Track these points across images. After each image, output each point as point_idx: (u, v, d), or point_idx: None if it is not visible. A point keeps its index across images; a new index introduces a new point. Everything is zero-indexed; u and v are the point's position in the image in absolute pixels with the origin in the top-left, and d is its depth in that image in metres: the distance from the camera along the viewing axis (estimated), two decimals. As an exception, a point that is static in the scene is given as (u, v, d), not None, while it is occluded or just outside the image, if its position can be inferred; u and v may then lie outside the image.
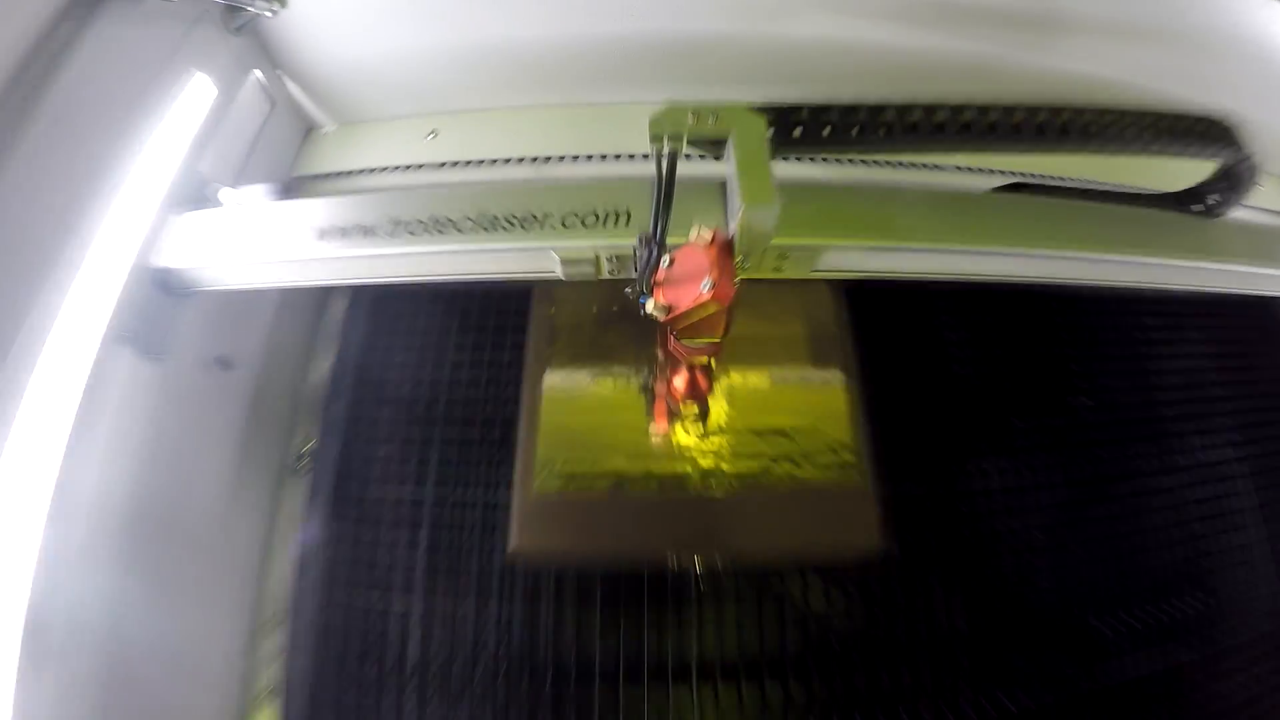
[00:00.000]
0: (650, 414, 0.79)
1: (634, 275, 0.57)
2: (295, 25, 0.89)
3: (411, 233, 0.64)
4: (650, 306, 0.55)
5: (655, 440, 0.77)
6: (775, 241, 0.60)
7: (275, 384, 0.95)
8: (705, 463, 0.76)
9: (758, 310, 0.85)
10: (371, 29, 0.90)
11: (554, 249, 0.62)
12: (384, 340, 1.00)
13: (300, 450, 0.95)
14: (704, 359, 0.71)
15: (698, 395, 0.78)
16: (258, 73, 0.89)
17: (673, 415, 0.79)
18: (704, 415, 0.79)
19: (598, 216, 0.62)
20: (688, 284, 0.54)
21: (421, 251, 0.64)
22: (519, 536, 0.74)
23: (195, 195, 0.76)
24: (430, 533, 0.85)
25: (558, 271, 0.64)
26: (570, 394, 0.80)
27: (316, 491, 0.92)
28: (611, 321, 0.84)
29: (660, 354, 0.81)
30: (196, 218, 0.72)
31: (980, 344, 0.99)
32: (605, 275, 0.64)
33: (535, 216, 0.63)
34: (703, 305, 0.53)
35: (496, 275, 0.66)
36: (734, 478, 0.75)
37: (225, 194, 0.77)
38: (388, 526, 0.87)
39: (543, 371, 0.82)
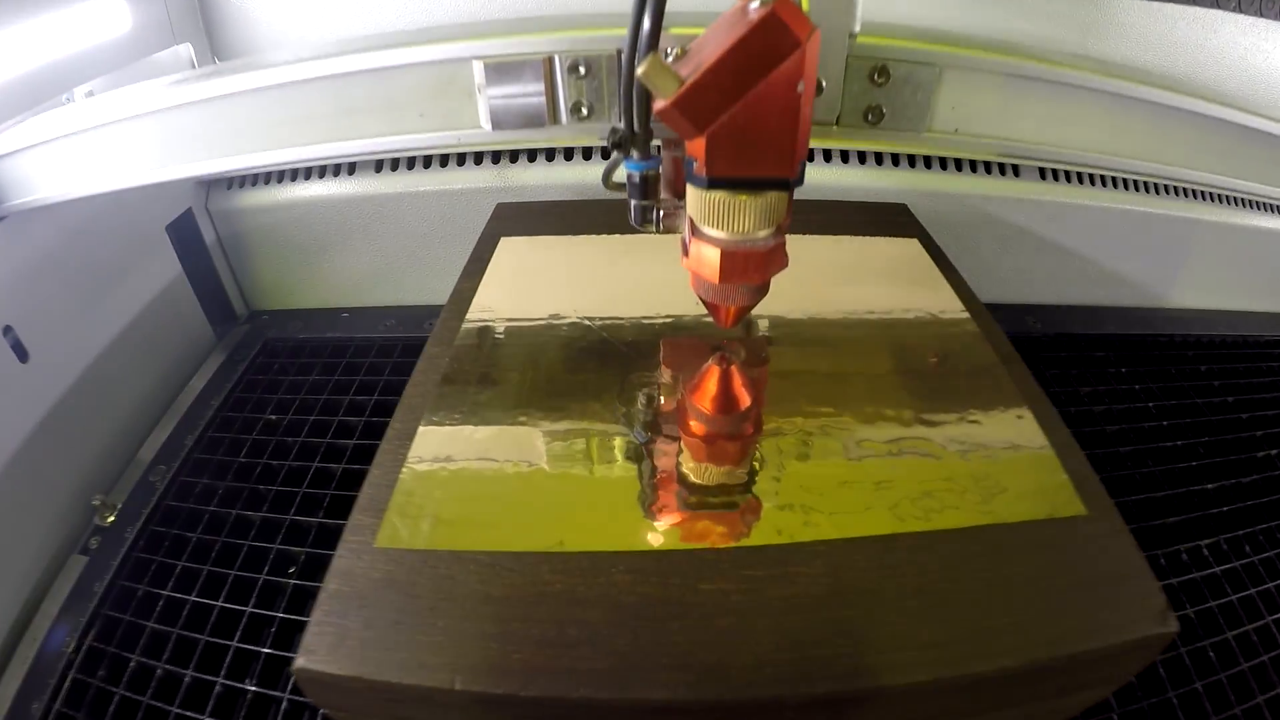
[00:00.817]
0: (647, 500, 0.36)
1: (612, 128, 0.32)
2: (256, 25, 0.78)
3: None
4: (643, 72, 0.26)
5: (653, 537, 0.34)
6: (865, 40, 0.36)
7: (88, 419, 0.64)
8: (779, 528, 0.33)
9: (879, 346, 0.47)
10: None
11: (478, 56, 0.35)
12: (257, 400, 0.70)
13: (98, 523, 0.60)
14: (746, 304, 0.35)
15: (729, 417, 0.38)
16: (190, 48, 0.76)
17: (688, 493, 0.36)
18: (745, 440, 0.39)
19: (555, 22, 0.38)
20: (719, 40, 0.27)
21: (269, 85, 0.38)
22: (321, 640, 0.29)
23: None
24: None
25: (481, 115, 0.36)
26: (492, 448, 0.38)
27: (90, 581, 0.54)
28: (583, 361, 0.45)
29: (663, 372, 0.44)
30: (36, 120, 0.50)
31: (1125, 397, 0.75)
32: (560, 117, 0.36)
33: (448, 34, 0.37)
34: (754, 39, 0.25)
35: (385, 146, 0.39)
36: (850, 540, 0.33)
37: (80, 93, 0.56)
38: (171, 655, 0.48)
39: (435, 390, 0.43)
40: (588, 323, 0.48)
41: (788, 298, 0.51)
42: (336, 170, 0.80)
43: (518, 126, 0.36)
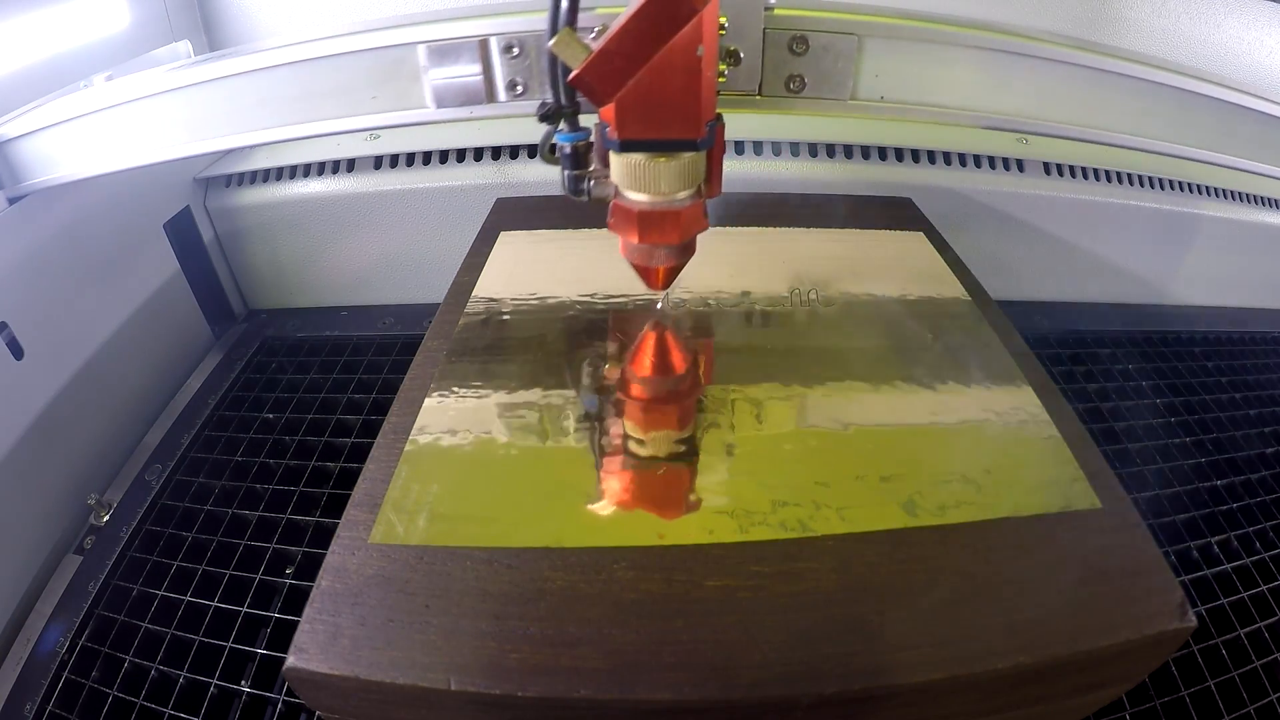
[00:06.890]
0: (651, 494, 0.35)
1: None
2: (253, 22, 0.78)
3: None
4: (554, 45, 0.29)
5: (656, 532, 0.32)
6: (781, 11, 0.36)
7: (83, 417, 0.63)
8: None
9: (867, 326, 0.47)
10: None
11: (421, 41, 0.37)
12: (254, 398, 0.69)
13: (93, 522, 0.59)
14: (673, 263, 0.36)
15: (665, 377, 0.40)
16: (189, 45, 0.75)
17: (690, 486, 0.35)
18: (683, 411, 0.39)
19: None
20: (626, 12, 0.28)
21: (243, 71, 0.39)
22: (313, 638, 0.28)
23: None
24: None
25: (426, 96, 0.38)
26: (491, 443, 0.37)
27: (85, 581, 0.54)
28: (585, 355, 0.45)
29: (612, 343, 0.45)
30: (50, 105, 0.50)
31: (1132, 394, 0.74)
32: (497, 95, 0.38)
33: (395, 21, 0.39)
34: (654, 7, 0.26)
35: (343, 127, 0.40)
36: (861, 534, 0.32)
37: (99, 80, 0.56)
38: (165, 655, 0.48)
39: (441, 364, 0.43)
40: (589, 316, 0.48)
41: (791, 291, 0.50)
42: (335, 167, 0.79)
43: (459, 104, 0.38)
